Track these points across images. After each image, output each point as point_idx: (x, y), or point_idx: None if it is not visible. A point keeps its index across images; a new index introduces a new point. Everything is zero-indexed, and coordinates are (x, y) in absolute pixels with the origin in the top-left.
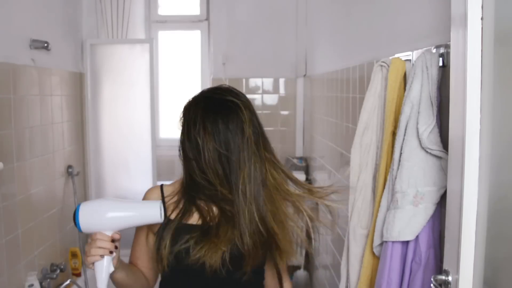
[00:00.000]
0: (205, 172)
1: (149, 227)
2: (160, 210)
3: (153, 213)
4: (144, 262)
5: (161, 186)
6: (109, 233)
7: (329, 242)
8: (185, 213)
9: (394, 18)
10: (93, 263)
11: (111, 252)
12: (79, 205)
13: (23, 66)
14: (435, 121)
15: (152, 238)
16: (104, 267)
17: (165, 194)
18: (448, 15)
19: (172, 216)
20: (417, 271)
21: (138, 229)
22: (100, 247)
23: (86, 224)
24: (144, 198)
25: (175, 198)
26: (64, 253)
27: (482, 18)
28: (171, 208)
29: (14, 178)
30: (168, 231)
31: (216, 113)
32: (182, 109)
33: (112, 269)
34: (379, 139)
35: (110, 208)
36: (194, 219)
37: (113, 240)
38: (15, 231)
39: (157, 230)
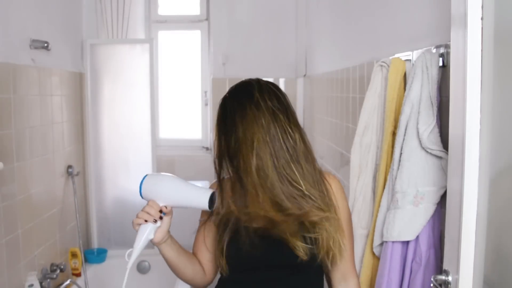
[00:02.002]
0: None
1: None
2: (210, 200)
3: (202, 200)
4: (203, 254)
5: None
6: (161, 204)
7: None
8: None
9: (394, 18)
10: (138, 225)
11: (155, 221)
12: (145, 176)
13: (23, 66)
14: (435, 121)
15: (208, 230)
16: (145, 232)
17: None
18: (448, 15)
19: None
20: (417, 271)
21: (201, 221)
22: (147, 212)
23: (145, 192)
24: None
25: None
26: (64, 253)
27: (482, 18)
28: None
29: (14, 178)
30: (227, 234)
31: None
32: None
33: (151, 236)
34: (379, 139)
35: (168, 182)
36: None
37: (161, 211)
38: (15, 231)
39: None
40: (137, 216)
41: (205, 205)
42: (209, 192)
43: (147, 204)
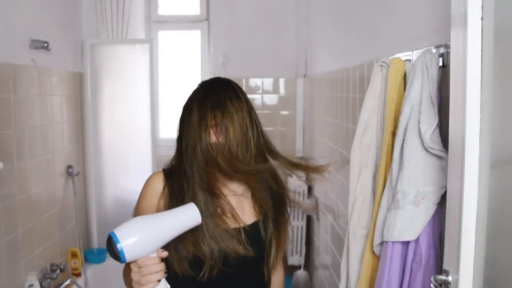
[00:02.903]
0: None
1: (157, 204)
2: (198, 210)
3: (193, 215)
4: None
5: (164, 172)
6: (155, 254)
7: (329, 242)
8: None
9: (394, 18)
10: None
11: (165, 272)
12: (113, 233)
13: (23, 66)
14: (437, 120)
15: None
16: None
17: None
18: (448, 15)
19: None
20: (417, 271)
21: (142, 210)
22: (153, 273)
23: (129, 254)
24: (147, 187)
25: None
26: (64, 253)
27: (482, 18)
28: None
29: (14, 178)
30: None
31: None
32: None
33: (169, 287)
34: (379, 139)
35: (149, 225)
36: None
37: (161, 259)
38: (15, 231)
39: None
40: (145, 283)
41: (198, 218)
42: (191, 205)
43: (144, 264)
